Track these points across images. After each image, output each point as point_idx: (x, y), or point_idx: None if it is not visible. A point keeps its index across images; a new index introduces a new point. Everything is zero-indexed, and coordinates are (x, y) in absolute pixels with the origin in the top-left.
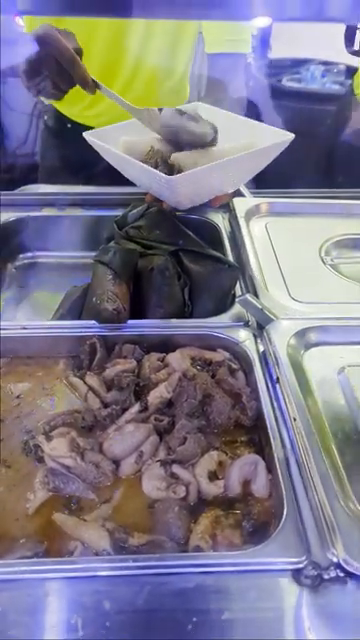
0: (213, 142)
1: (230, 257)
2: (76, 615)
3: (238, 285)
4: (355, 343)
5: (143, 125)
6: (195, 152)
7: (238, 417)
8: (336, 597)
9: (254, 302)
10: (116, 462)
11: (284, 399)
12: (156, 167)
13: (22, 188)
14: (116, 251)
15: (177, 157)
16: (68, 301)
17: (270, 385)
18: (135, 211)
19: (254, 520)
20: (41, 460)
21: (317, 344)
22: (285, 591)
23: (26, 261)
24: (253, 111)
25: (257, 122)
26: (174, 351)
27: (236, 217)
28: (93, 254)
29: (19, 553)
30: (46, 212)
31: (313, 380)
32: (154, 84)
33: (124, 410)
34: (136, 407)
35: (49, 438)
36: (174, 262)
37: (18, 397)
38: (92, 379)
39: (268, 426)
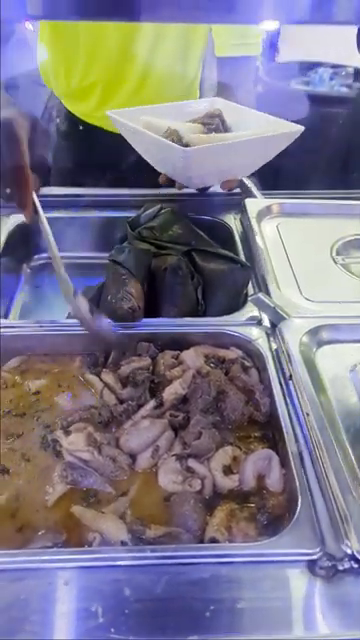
0: None
1: (242, 257)
2: (96, 603)
3: (250, 284)
4: None
5: (164, 110)
6: (210, 135)
7: (252, 413)
8: (350, 588)
9: (266, 301)
10: (132, 456)
11: (297, 396)
12: None
13: None
14: (130, 251)
15: (192, 138)
16: None
17: (283, 382)
18: (148, 212)
19: (268, 513)
20: (59, 454)
21: (329, 342)
22: (300, 582)
23: (41, 262)
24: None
25: (271, 116)
26: (188, 349)
27: (248, 218)
28: (106, 255)
29: (40, 543)
30: (60, 214)
31: (325, 377)
32: (164, 88)
33: (139, 406)
34: (151, 403)
35: (67, 433)
36: (187, 262)
37: (36, 393)
38: (108, 376)
39: (282, 422)
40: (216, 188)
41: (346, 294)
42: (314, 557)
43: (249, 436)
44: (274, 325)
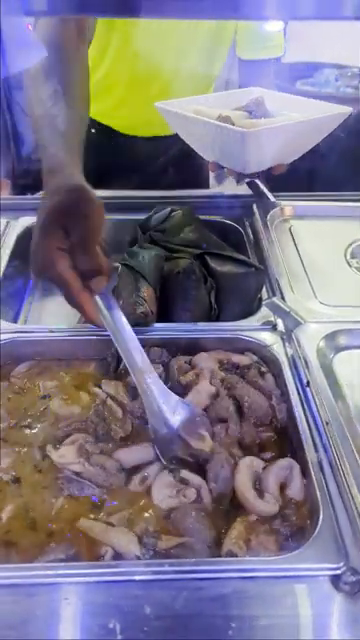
0: None
1: (254, 260)
2: (114, 619)
3: (264, 288)
4: None
5: (207, 100)
6: (261, 120)
7: (274, 416)
8: None
9: (282, 305)
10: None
11: (315, 403)
12: None
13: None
14: (143, 255)
15: (245, 123)
16: None
17: (300, 389)
18: (158, 215)
19: (289, 525)
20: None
21: (347, 347)
22: (323, 598)
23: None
24: None
25: (312, 99)
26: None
27: (260, 220)
28: (116, 258)
29: (52, 555)
30: None
31: (344, 384)
32: (185, 88)
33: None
34: None
35: (56, 447)
36: (200, 265)
37: (44, 398)
38: (109, 386)
39: (300, 430)
40: (231, 188)
41: None
42: (338, 572)
43: (266, 444)
44: (289, 330)
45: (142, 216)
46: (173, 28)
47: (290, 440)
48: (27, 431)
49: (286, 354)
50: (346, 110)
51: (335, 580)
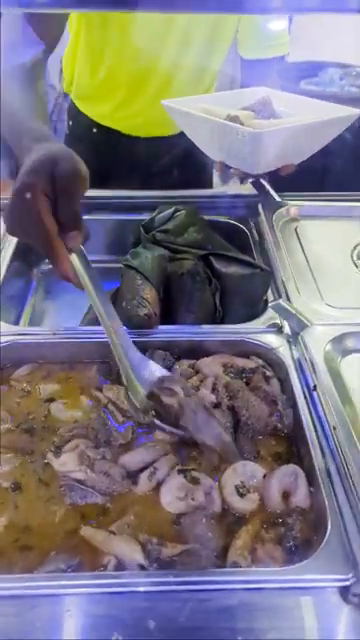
0: None
1: (259, 261)
2: (117, 632)
3: (270, 290)
4: None
5: (214, 99)
6: (270, 120)
7: (275, 425)
8: None
9: (288, 307)
10: (130, 473)
11: (322, 407)
12: None
13: None
14: (146, 255)
15: (253, 123)
16: None
17: (307, 393)
18: (162, 215)
19: (296, 534)
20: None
21: (354, 350)
22: (332, 609)
23: (52, 266)
24: None
25: (319, 100)
26: (205, 357)
27: (265, 220)
28: (119, 258)
29: (53, 565)
30: None
31: (352, 388)
32: (186, 88)
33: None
34: None
35: (57, 454)
36: (204, 266)
37: (47, 401)
38: (110, 391)
39: (307, 435)
40: (234, 187)
41: None
42: (347, 583)
43: (271, 450)
44: (296, 333)
45: (145, 216)
46: (171, 25)
47: (296, 446)
48: (27, 435)
49: (292, 357)
50: (356, 112)
51: (344, 592)
